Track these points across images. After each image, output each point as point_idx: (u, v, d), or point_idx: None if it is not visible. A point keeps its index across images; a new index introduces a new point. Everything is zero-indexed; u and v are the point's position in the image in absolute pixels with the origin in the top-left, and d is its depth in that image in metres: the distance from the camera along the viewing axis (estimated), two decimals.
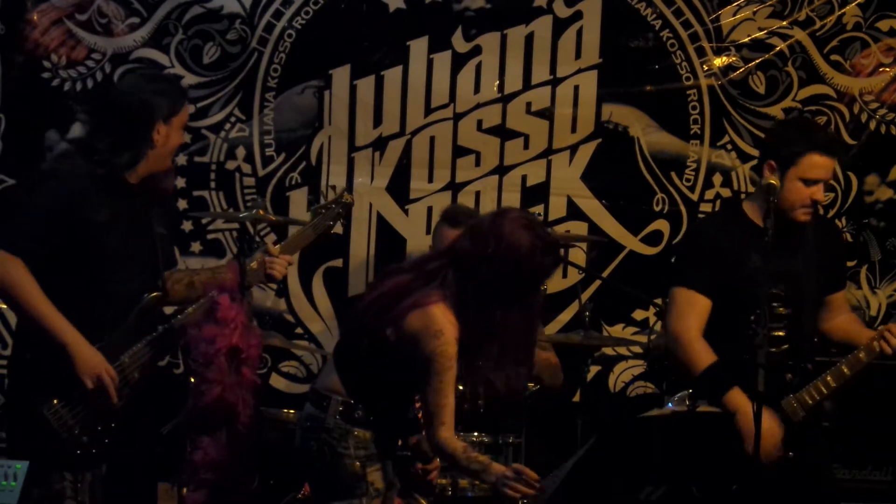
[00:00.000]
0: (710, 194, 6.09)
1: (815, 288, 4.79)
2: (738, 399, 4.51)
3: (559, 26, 6.01)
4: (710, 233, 4.88)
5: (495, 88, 6.03)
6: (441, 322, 3.89)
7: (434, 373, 3.88)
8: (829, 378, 4.64)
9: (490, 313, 3.95)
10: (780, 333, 4.63)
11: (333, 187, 4.91)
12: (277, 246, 4.60)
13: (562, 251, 4.13)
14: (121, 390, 4.30)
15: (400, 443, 4.79)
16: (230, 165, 6.02)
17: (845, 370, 4.65)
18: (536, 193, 6.07)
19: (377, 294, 4.08)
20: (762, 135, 6.04)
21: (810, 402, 4.64)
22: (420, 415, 4.32)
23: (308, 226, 4.72)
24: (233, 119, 5.99)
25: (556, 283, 5.93)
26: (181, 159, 5.99)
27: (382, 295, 4.05)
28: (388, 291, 4.04)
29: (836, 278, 4.96)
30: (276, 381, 6.07)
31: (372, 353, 4.02)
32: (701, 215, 6.07)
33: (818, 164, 4.62)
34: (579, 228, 6.05)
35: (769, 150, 4.75)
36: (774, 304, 4.59)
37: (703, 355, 4.62)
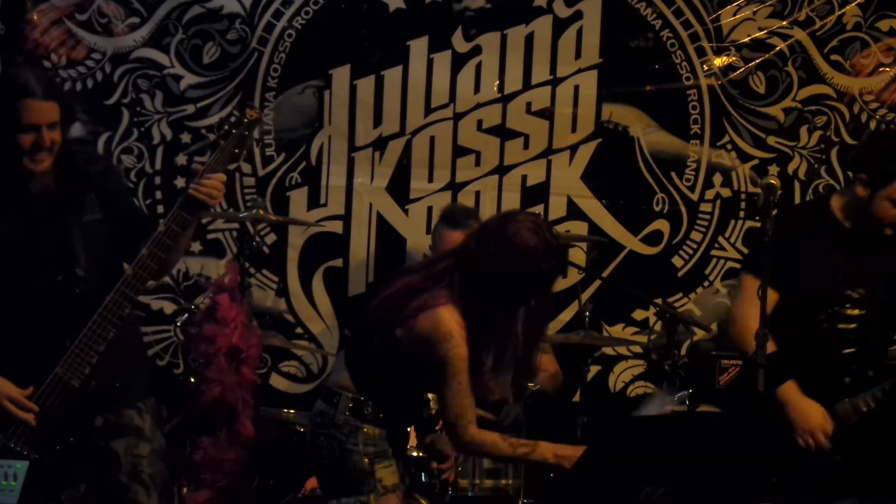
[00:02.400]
0: (710, 194, 6.09)
1: (893, 294, 4.72)
2: (791, 392, 4.47)
3: (559, 26, 6.01)
4: (789, 224, 4.73)
5: (495, 88, 6.03)
6: (449, 324, 3.90)
7: (450, 376, 3.89)
8: (887, 388, 4.58)
9: (491, 315, 3.95)
10: (850, 336, 4.61)
11: (248, 105, 4.32)
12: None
13: (568, 257, 4.12)
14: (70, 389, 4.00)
15: (414, 443, 4.79)
16: (230, 165, 6.00)
17: None
18: (536, 193, 6.07)
19: (388, 294, 4.09)
20: (762, 134, 6.05)
21: (864, 408, 4.58)
22: (433, 414, 4.32)
23: (212, 159, 4.07)
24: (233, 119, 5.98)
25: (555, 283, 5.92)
26: (181, 159, 6.00)
27: (393, 295, 4.06)
28: (398, 291, 4.05)
29: None
30: (276, 381, 6.07)
31: (382, 353, 4.03)
32: (701, 215, 6.08)
33: None
34: (579, 228, 6.04)
35: (864, 162, 4.70)
36: (848, 305, 4.57)
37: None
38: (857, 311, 4.63)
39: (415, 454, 4.79)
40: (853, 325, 4.62)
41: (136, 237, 4.10)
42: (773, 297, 4.62)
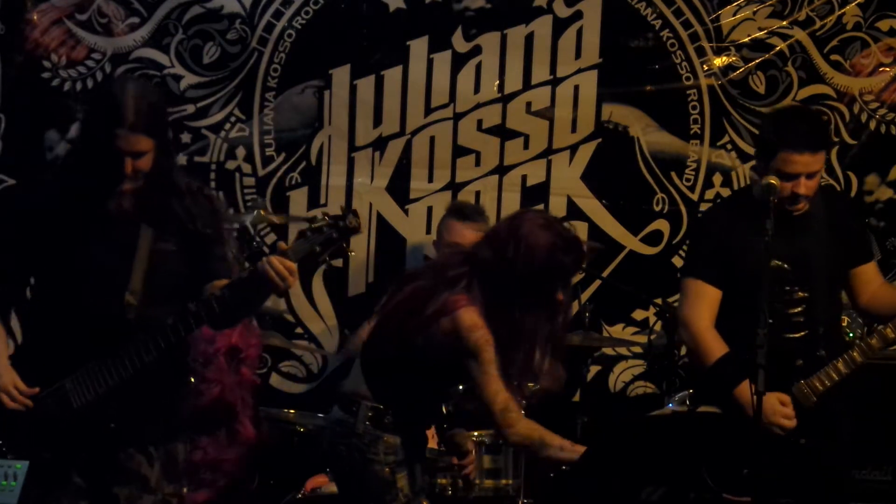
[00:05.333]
0: (710, 194, 6.09)
1: (831, 268, 4.66)
2: (747, 391, 4.44)
3: (559, 26, 6.01)
4: (718, 221, 4.76)
5: (495, 88, 6.03)
6: (474, 318, 3.90)
7: (486, 363, 3.87)
8: (839, 364, 4.52)
9: (519, 319, 3.94)
10: (800, 319, 4.58)
11: (352, 213, 3.78)
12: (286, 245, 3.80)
13: (585, 247, 4.13)
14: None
15: (436, 444, 4.77)
16: (230, 165, 6.02)
17: (857, 356, 4.52)
18: (536, 193, 6.07)
19: (398, 301, 4.09)
20: None
21: (821, 388, 4.53)
22: (453, 410, 4.32)
23: (289, 248, 3.76)
24: (233, 119, 6.00)
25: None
26: (181, 159, 6.00)
27: (404, 301, 4.06)
28: (408, 298, 4.04)
29: (859, 250, 4.78)
30: (276, 381, 6.07)
31: (400, 360, 4.02)
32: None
33: (792, 160, 4.47)
34: (579, 228, 6.03)
35: (756, 140, 4.71)
36: (787, 288, 4.55)
37: (714, 346, 4.54)
38: (800, 294, 4.60)
39: (427, 454, 4.78)
40: (800, 308, 4.59)
41: (204, 278, 3.94)
42: (715, 294, 4.61)
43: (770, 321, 4.25)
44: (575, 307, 5.92)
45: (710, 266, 4.62)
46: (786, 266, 4.55)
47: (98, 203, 3.89)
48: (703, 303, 4.62)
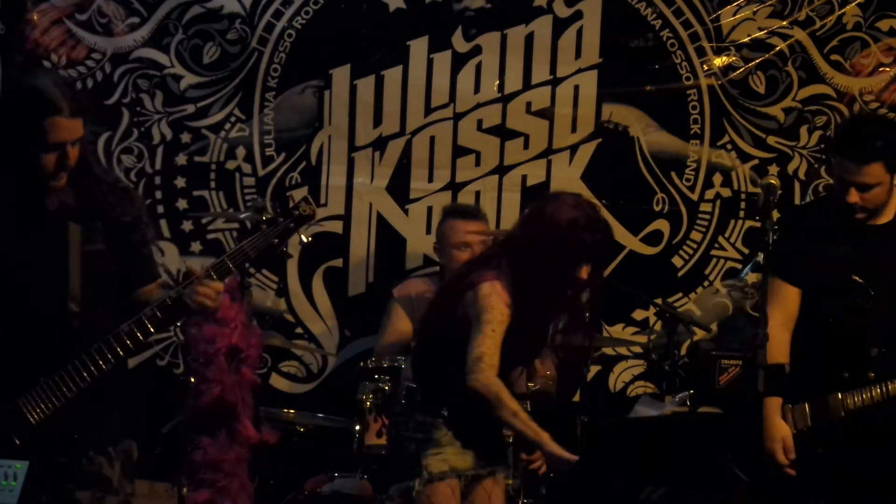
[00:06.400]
0: (710, 194, 6.09)
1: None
2: (769, 408, 4.44)
3: (559, 26, 6.01)
4: (803, 220, 4.67)
5: (495, 88, 6.03)
6: (492, 288, 4.06)
7: (485, 322, 4.00)
8: (875, 390, 4.49)
9: (538, 294, 4.02)
10: (856, 327, 4.55)
11: (304, 200, 3.79)
12: (203, 269, 3.71)
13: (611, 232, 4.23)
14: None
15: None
16: (230, 165, 6.02)
17: (893, 389, 4.47)
18: (536, 193, 6.05)
19: (443, 286, 4.38)
20: (762, 134, 6.05)
21: (851, 405, 4.52)
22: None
23: (246, 242, 3.72)
24: (233, 119, 5.99)
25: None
26: (181, 159, 6.00)
27: (446, 285, 4.31)
28: (450, 283, 4.29)
29: None
30: (276, 381, 6.07)
31: (439, 341, 4.13)
32: (701, 215, 6.08)
33: (846, 167, 4.43)
34: None
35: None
36: (850, 300, 4.52)
37: (772, 351, 4.40)
38: (869, 304, 4.56)
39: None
40: (863, 318, 4.55)
41: (136, 280, 3.86)
42: (792, 293, 4.57)
43: (830, 321, 4.25)
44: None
45: (789, 264, 4.56)
46: (855, 277, 4.52)
47: (34, 202, 3.73)
48: (778, 302, 4.56)
